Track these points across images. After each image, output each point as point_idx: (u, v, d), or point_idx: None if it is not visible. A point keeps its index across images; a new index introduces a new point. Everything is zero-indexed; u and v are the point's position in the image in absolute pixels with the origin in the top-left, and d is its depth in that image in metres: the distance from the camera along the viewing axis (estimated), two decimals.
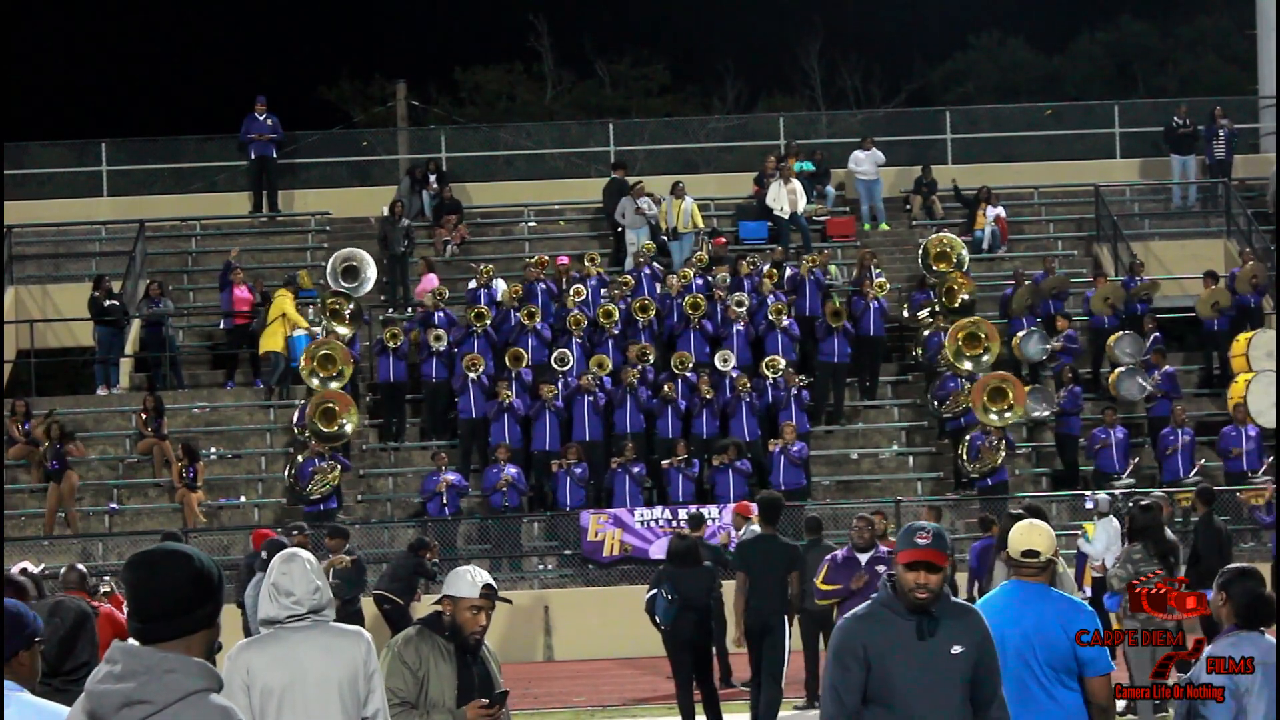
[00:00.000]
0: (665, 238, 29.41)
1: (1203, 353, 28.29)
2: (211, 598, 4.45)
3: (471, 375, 25.13)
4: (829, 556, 15.31)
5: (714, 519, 22.97)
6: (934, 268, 26.98)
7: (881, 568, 14.09)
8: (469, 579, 7.64)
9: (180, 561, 4.42)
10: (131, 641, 4.42)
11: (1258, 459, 24.82)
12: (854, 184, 31.51)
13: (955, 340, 25.33)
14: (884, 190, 31.62)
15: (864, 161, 31.11)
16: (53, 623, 6.29)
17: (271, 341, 26.82)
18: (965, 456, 24.66)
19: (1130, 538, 14.75)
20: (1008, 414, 24.58)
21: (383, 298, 28.80)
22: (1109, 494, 20.41)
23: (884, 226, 31.14)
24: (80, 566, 14.39)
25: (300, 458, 24.27)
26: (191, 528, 23.88)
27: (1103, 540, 18.63)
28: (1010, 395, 24.62)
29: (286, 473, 24.54)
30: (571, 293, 26.70)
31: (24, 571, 14.29)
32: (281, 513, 25.15)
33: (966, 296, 26.89)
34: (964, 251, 27.32)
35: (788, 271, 27.72)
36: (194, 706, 4.27)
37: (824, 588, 14.84)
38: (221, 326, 28.57)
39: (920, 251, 27.55)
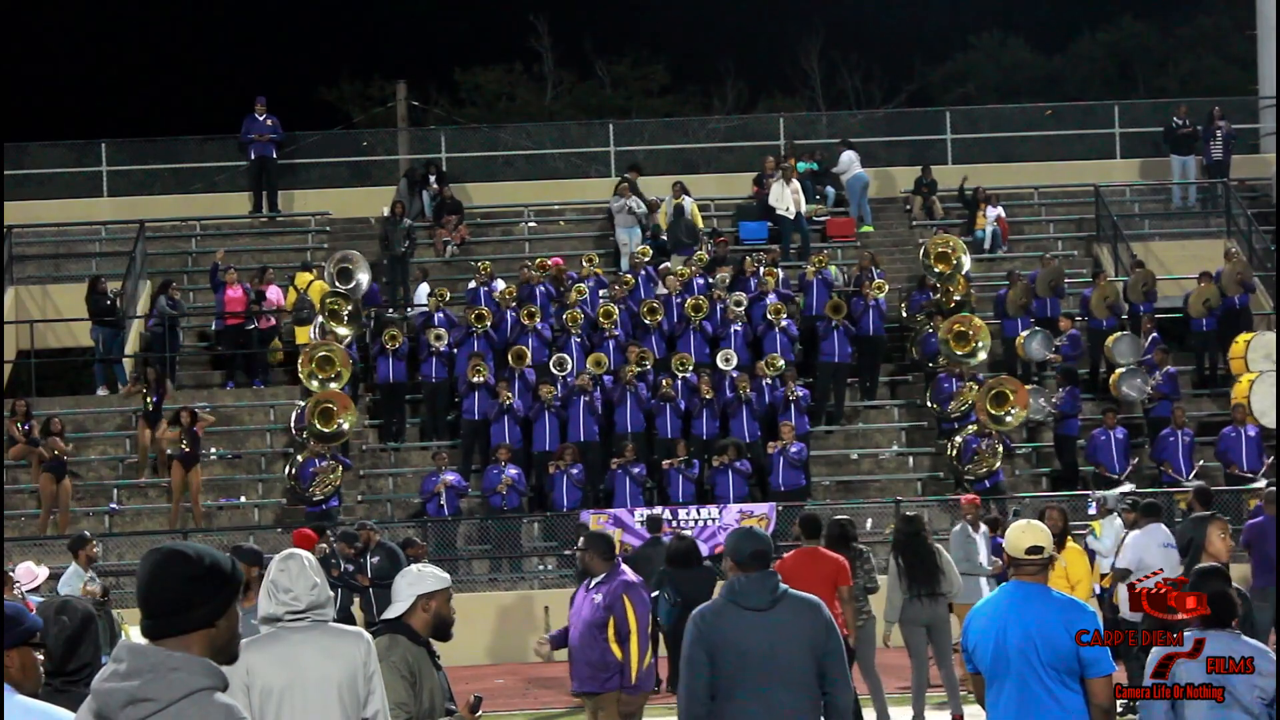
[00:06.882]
0: (665, 238, 29.39)
1: (1194, 354, 28.22)
2: (211, 599, 4.44)
3: (476, 379, 25.10)
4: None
5: (714, 519, 22.97)
6: (934, 268, 26.99)
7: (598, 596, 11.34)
8: (434, 572, 7.67)
9: (181, 560, 4.45)
10: (140, 640, 4.44)
11: (1257, 459, 24.81)
12: (850, 185, 31.51)
13: (948, 335, 25.51)
14: (883, 191, 31.58)
15: (845, 162, 31.12)
16: (60, 621, 6.27)
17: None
18: (957, 459, 24.66)
19: (893, 547, 15.82)
20: (1010, 416, 24.59)
21: (384, 298, 28.82)
22: (1113, 492, 20.44)
23: (868, 228, 31.03)
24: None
25: (300, 458, 24.26)
26: (190, 528, 23.91)
27: (1110, 538, 18.65)
28: (1011, 397, 24.65)
29: (287, 473, 24.51)
30: (574, 292, 26.69)
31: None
32: (281, 513, 25.15)
33: (959, 298, 26.94)
34: (965, 255, 27.28)
35: (782, 273, 27.72)
36: (197, 704, 4.29)
37: None
38: (214, 328, 28.52)
39: (921, 252, 27.57)
